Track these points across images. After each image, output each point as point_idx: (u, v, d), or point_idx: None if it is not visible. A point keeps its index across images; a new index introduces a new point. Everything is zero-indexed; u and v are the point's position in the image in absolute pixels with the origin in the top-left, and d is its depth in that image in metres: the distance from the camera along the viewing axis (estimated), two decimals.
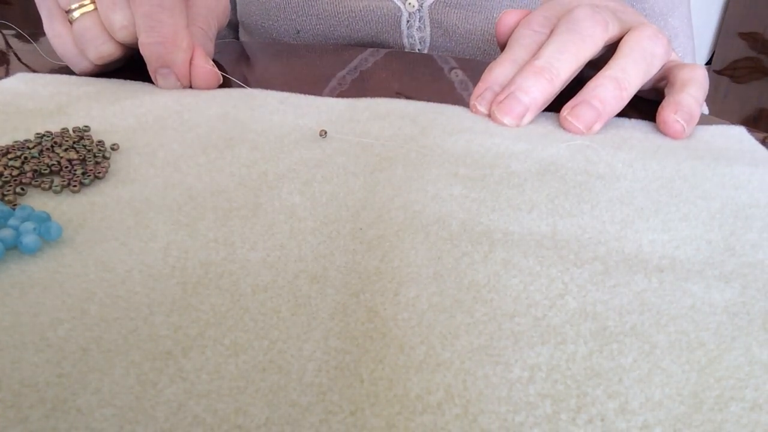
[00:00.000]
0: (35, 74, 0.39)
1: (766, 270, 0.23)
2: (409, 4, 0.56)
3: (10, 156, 0.27)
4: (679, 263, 0.23)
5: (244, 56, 0.47)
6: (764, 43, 1.54)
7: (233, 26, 0.67)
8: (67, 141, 0.29)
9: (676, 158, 0.32)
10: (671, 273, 0.23)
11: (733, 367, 0.19)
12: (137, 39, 0.35)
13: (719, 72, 1.61)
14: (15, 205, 0.25)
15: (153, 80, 0.37)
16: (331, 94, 0.39)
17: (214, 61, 0.39)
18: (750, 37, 1.54)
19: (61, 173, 0.27)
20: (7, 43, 0.47)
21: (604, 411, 0.17)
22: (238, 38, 0.67)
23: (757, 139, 0.35)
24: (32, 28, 0.46)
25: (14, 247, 0.22)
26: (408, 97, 0.38)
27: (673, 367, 0.18)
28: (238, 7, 0.63)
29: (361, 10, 0.56)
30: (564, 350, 0.19)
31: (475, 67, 0.46)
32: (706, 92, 0.38)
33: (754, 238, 0.25)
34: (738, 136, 0.36)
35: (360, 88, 0.40)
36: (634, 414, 0.17)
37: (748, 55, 1.57)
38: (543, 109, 0.36)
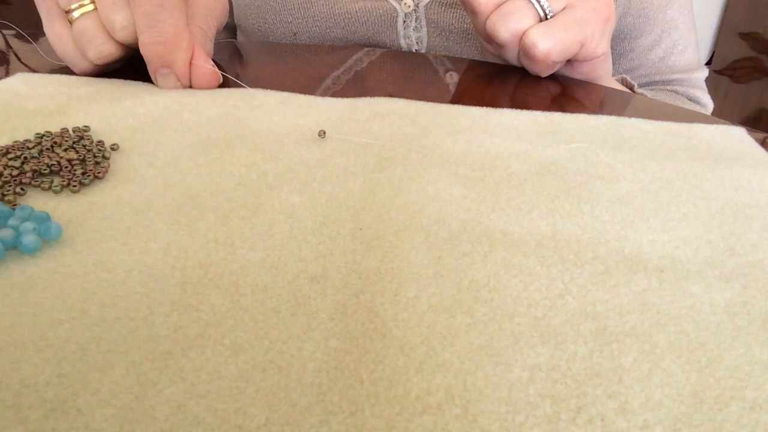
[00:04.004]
0: (35, 74, 0.39)
1: (766, 270, 0.23)
2: (405, 4, 0.56)
3: (10, 156, 0.27)
4: (679, 263, 0.23)
5: (238, 56, 0.47)
6: (764, 43, 1.54)
7: (231, 29, 0.67)
8: (66, 141, 0.29)
9: (675, 159, 0.32)
10: (671, 273, 0.23)
11: (733, 367, 0.19)
12: (137, 39, 0.35)
13: (719, 72, 1.61)
14: (15, 205, 0.25)
15: (153, 80, 0.37)
16: (325, 94, 0.39)
17: (213, 60, 0.39)
18: (750, 37, 1.54)
19: (61, 173, 0.27)
20: (7, 43, 0.47)
21: (604, 411, 0.17)
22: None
23: (757, 139, 0.35)
24: (32, 28, 0.46)
25: (14, 247, 0.22)
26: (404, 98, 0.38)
27: (673, 367, 0.18)
28: (234, 11, 0.63)
29: (357, 12, 0.56)
30: (564, 350, 0.19)
31: (471, 68, 0.46)
32: None
33: (754, 238, 0.25)
34: (738, 136, 0.36)
35: (354, 88, 0.40)
36: (634, 414, 0.17)
37: (748, 55, 1.57)
38: None
